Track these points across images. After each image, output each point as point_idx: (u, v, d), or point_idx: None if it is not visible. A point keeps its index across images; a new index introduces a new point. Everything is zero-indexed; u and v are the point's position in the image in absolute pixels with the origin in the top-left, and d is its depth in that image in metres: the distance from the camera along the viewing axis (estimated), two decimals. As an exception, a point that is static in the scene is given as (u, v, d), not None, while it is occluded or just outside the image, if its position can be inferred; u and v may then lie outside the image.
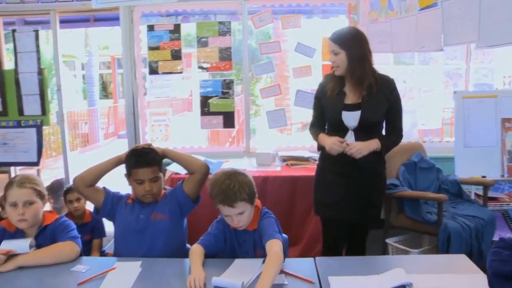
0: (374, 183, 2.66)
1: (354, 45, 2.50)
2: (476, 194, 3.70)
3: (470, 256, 2.41)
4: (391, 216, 3.43)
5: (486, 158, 3.66)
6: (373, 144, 2.50)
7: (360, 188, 2.59)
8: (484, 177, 3.57)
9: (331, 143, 2.50)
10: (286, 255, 2.14)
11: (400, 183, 3.45)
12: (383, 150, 2.58)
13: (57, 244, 2.10)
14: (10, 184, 2.16)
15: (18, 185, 2.14)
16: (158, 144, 4.28)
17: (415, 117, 4.16)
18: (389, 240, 3.47)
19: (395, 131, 2.65)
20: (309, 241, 3.49)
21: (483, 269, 1.69)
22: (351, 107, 2.54)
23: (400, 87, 4.04)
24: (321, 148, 2.68)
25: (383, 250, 3.47)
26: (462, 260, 2.02)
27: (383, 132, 2.68)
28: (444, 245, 3.06)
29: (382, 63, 4.06)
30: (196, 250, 2.05)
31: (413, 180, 3.55)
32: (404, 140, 4.05)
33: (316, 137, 2.69)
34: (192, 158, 2.38)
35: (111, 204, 2.33)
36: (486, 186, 3.46)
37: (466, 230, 3.09)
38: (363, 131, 2.54)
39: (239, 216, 2.04)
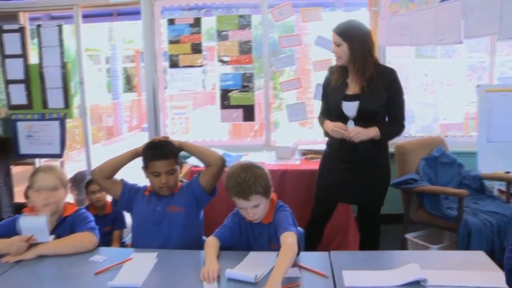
0: (373, 170, 2.77)
1: (356, 37, 2.62)
2: (499, 190, 3.64)
3: (492, 253, 2.38)
4: (410, 211, 3.39)
5: (510, 153, 3.59)
6: (372, 131, 2.62)
7: (359, 174, 2.73)
8: (507, 172, 3.51)
9: (333, 126, 2.68)
10: (301, 248, 2.13)
11: (420, 177, 3.41)
12: (382, 138, 2.68)
13: (76, 235, 2.16)
14: (36, 171, 2.28)
15: (44, 172, 2.27)
16: (178, 137, 4.34)
17: (437, 111, 4.09)
18: (408, 235, 3.44)
19: (396, 121, 2.74)
20: (327, 235, 3.47)
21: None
22: (351, 98, 2.69)
23: (421, 81, 4.06)
24: (326, 133, 2.82)
25: (402, 245, 3.44)
26: (480, 257, 1.98)
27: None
28: (464, 242, 3.01)
29: (403, 56, 4.02)
30: (211, 242, 2.07)
31: (433, 175, 3.51)
32: (425, 134, 4.04)
33: (322, 125, 2.85)
34: (208, 151, 2.38)
35: (128, 195, 2.36)
36: (509, 182, 3.39)
37: (488, 226, 3.04)
38: (363, 120, 2.66)
39: (254, 209, 2.05)
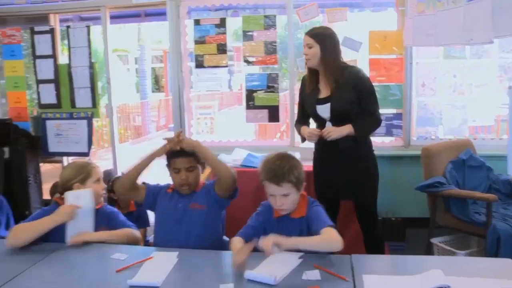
0: (357, 167, 2.89)
1: (327, 40, 2.84)
2: (530, 195, 3.53)
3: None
4: (437, 215, 3.32)
5: (542, 157, 3.48)
6: (345, 129, 2.80)
7: (344, 171, 2.89)
8: (539, 177, 3.41)
9: (308, 132, 2.95)
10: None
11: (447, 181, 3.34)
12: (357, 133, 2.82)
13: (128, 230, 2.32)
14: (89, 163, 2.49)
15: (95, 166, 2.49)
16: (203, 137, 4.36)
17: (466, 113, 3.99)
18: (434, 240, 3.37)
19: (369, 117, 2.88)
20: (352, 237, 3.43)
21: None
22: (323, 101, 2.90)
23: (449, 82, 3.96)
24: (303, 139, 3.07)
25: (428, 250, 3.37)
26: (509, 264, 1.91)
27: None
28: (493, 248, 2.93)
29: (431, 57, 3.94)
30: (237, 240, 2.08)
31: (461, 179, 3.43)
32: (453, 137, 3.96)
33: (299, 132, 3.10)
34: (220, 164, 2.32)
35: (152, 197, 2.40)
36: (541, 186, 3.30)
37: (518, 232, 2.95)
38: (338, 121, 2.85)
39: (283, 198, 2.06)
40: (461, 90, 3.98)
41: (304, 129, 3.02)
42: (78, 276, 1.89)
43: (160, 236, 2.35)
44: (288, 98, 4.42)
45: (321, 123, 2.96)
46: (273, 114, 4.25)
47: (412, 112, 4.07)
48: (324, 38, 2.84)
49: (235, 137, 4.51)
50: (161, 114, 14.13)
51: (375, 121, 2.93)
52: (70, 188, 2.35)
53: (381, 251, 3.07)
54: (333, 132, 2.80)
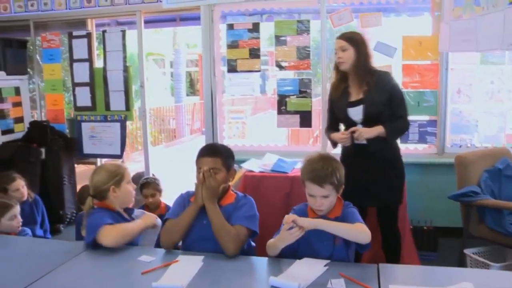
0: (386, 170, 2.92)
1: (360, 43, 2.88)
2: None
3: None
4: (470, 226, 3.23)
5: None
6: (376, 129, 2.83)
7: (373, 175, 2.89)
8: None
9: (338, 138, 2.98)
10: (351, 259, 2.12)
11: (482, 190, 3.24)
12: (388, 135, 2.86)
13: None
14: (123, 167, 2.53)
15: (126, 167, 2.57)
16: (235, 141, 4.37)
17: (503, 121, 3.88)
18: (467, 251, 3.27)
19: (400, 119, 2.92)
20: (378, 248, 3.37)
21: None
22: (355, 103, 2.92)
23: (486, 89, 3.86)
24: (334, 144, 3.11)
25: (461, 261, 3.27)
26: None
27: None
28: (530, 261, 2.84)
29: (468, 63, 3.85)
30: (271, 241, 2.08)
31: (496, 189, 3.32)
32: (489, 145, 3.85)
33: (329, 138, 3.13)
34: (226, 232, 2.13)
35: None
36: None
37: (557, 246, 2.84)
38: (369, 123, 2.87)
39: (323, 199, 2.07)
40: (499, 97, 3.87)
41: (334, 134, 3.04)
42: (104, 277, 1.91)
43: (187, 245, 2.32)
44: (321, 104, 4.39)
45: (351, 126, 2.95)
46: (305, 120, 4.24)
47: (447, 119, 3.99)
48: (358, 42, 2.88)
49: (266, 141, 4.50)
50: (195, 118, 14.25)
51: (405, 124, 2.96)
52: (105, 191, 2.37)
53: (397, 251, 3.09)
54: (364, 132, 2.83)
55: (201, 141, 12.12)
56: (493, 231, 3.12)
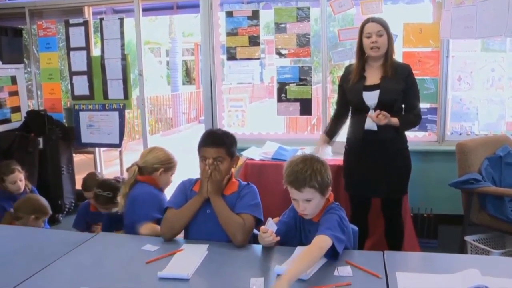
0: (395, 161, 2.89)
1: (389, 30, 2.85)
2: None
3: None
4: (471, 213, 3.23)
5: None
6: (393, 119, 2.78)
7: (381, 166, 2.87)
8: None
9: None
10: (355, 247, 2.12)
11: (483, 178, 3.24)
12: (400, 126, 2.84)
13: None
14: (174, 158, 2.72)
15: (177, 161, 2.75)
16: (234, 129, 4.35)
17: (504, 108, 3.88)
18: (468, 238, 3.27)
19: (412, 112, 2.92)
20: (381, 236, 3.38)
21: None
22: (371, 88, 2.87)
23: (487, 76, 3.85)
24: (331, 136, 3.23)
25: (461, 248, 3.28)
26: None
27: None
28: (530, 247, 2.85)
29: (468, 50, 3.83)
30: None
31: (497, 176, 3.32)
32: (489, 133, 3.84)
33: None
34: (233, 222, 2.10)
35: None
36: None
37: (557, 232, 2.85)
38: (382, 110, 2.77)
39: (305, 203, 1.98)
40: (500, 85, 3.86)
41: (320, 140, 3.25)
42: (108, 267, 1.89)
43: (189, 234, 2.30)
44: (320, 91, 4.37)
45: (362, 112, 2.89)
46: (305, 107, 4.22)
47: (447, 107, 3.98)
48: (388, 27, 2.84)
49: (266, 130, 4.49)
50: (192, 107, 14.21)
51: (418, 118, 2.95)
52: (153, 170, 2.57)
53: (400, 239, 3.08)
54: (386, 115, 2.73)
55: (198, 130, 12.14)
56: (494, 218, 3.12)
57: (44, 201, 3.22)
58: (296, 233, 2.15)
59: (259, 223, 2.19)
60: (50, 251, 2.02)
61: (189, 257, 1.92)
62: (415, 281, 1.68)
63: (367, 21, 2.86)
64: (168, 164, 2.63)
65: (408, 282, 1.67)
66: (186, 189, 2.33)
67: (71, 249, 2.05)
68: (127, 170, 2.66)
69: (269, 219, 1.99)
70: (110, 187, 3.04)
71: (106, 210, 3.07)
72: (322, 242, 1.83)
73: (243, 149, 3.81)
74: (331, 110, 4.30)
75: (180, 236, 2.25)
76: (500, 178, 3.35)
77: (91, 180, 3.40)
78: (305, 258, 1.76)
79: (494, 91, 3.89)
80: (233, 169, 2.33)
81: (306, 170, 1.95)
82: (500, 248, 3.25)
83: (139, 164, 2.59)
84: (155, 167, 2.57)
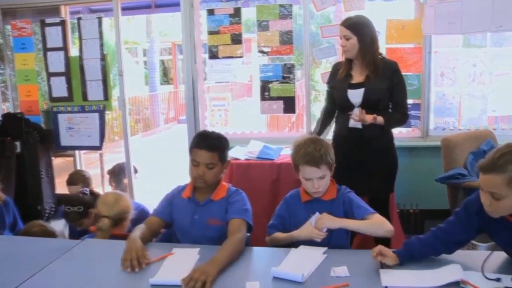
0: (381, 159, 2.90)
1: (365, 31, 2.82)
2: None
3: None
4: (457, 207, 3.23)
5: None
6: (378, 117, 2.77)
7: (367, 164, 2.87)
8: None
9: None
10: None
11: (468, 172, 3.26)
12: (386, 124, 2.83)
13: None
14: None
15: None
16: (218, 129, 4.28)
17: (486, 103, 3.91)
18: (455, 233, 3.28)
19: (399, 110, 2.92)
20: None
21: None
22: (356, 86, 2.88)
23: (469, 71, 3.87)
24: (320, 132, 3.14)
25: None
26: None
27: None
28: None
29: (450, 46, 3.85)
30: (278, 235, 2.13)
31: (482, 170, 3.35)
32: (472, 127, 3.87)
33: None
34: (238, 250, 1.97)
35: (169, 216, 2.25)
36: None
37: (543, 225, 2.87)
38: (367, 108, 2.80)
39: (320, 180, 2.09)
40: (481, 80, 3.89)
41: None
42: (97, 273, 1.83)
43: (178, 239, 2.25)
44: (303, 89, 4.34)
45: (347, 110, 2.90)
46: (289, 105, 4.18)
47: (431, 102, 4.00)
48: (361, 28, 2.82)
49: (248, 129, 4.44)
50: (170, 107, 14.10)
51: (404, 117, 2.95)
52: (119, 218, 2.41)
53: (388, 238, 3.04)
54: (365, 116, 2.76)
55: (178, 130, 12.08)
56: (480, 213, 3.13)
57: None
58: (290, 220, 2.19)
59: (249, 228, 2.16)
60: (36, 260, 1.95)
61: (180, 262, 1.87)
62: (398, 277, 1.68)
63: (341, 23, 2.90)
64: (132, 210, 2.50)
65: (391, 278, 1.68)
66: (174, 196, 2.30)
67: (58, 257, 1.98)
68: (97, 226, 2.37)
69: (317, 213, 2.05)
70: (79, 201, 2.91)
71: (81, 226, 2.93)
72: (385, 223, 2.04)
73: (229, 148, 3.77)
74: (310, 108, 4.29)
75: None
76: (485, 172, 3.37)
77: (78, 175, 3.36)
78: (365, 223, 2.03)
79: (476, 86, 3.92)
80: (222, 174, 2.28)
81: (320, 149, 2.09)
82: (486, 241, 3.26)
83: (108, 215, 2.37)
84: (124, 216, 2.42)
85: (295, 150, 2.15)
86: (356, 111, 2.82)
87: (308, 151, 2.08)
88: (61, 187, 4.57)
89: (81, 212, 2.86)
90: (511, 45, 3.78)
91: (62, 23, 4.50)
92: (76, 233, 2.94)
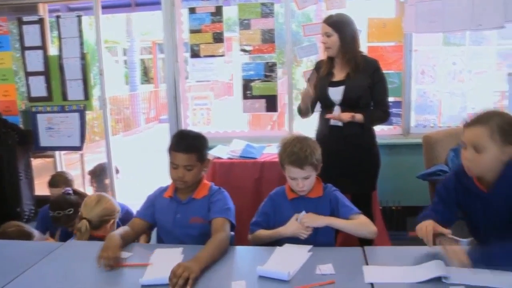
0: (362, 156, 2.92)
1: (347, 29, 2.86)
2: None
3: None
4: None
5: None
6: (357, 114, 2.81)
7: (349, 162, 2.87)
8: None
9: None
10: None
11: (449, 169, 3.29)
12: (365, 121, 2.85)
13: None
14: None
15: None
16: (200, 128, 4.27)
17: (465, 100, 3.96)
18: (437, 229, 3.32)
19: (380, 108, 2.93)
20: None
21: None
22: (337, 83, 2.90)
23: (449, 69, 3.92)
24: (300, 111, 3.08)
25: (431, 239, 3.32)
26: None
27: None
28: (497, 236, 2.90)
29: (431, 44, 3.89)
30: (261, 232, 2.13)
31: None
32: (453, 124, 3.92)
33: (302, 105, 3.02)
34: (222, 249, 1.95)
35: (151, 216, 2.24)
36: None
37: (522, 220, 2.91)
38: (348, 106, 2.86)
39: (304, 180, 2.09)
40: (461, 77, 3.95)
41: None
42: (82, 276, 1.80)
43: (161, 238, 2.26)
44: (284, 87, 4.34)
45: (328, 108, 2.94)
46: (271, 104, 4.18)
47: (412, 100, 4.03)
48: (342, 26, 2.85)
49: (230, 127, 4.43)
50: (151, 106, 14.00)
51: (384, 114, 2.97)
52: (99, 221, 2.38)
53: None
54: (343, 114, 2.83)
55: (159, 130, 12.00)
56: (461, 208, 3.17)
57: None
58: (275, 218, 2.18)
59: (232, 227, 2.16)
60: (16, 263, 1.90)
61: (166, 261, 1.83)
62: (381, 274, 1.70)
63: (323, 20, 2.93)
64: (117, 213, 2.50)
65: (374, 274, 1.69)
66: (156, 196, 2.29)
67: (39, 260, 1.94)
68: (76, 228, 2.37)
69: (303, 212, 2.07)
70: (67, 203, 2.87)
71: (73, 227, 2.77)
72: (369, 224, 2.06)
73: (210, 148, 3.72)
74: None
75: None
76: (465, 169, 3.41)
77: (60, 176, 3.32)
78: (351, 222, 2.05)
79: (456, 84, 3.97)
80: (203, 173, 2.27)
81: (306, 149, 2.09)
82: (466, 236, 3.30)
83: (88, 217, 2.36)
84: (106, 219, 2.40)
85: (282, 149, 2.16)
86: (336, 112, 2.86)
87: (293, 151, 2.09)
88: (40, 189, 4.50)
89: (71, 214, 2.83)
90: (489, 43, 3.85)
91: (40, 22, 4.42)
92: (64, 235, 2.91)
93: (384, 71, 3.79)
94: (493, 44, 3.89)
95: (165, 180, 2.35)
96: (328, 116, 2.87)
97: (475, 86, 3.94)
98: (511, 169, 1.76)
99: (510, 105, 3.57)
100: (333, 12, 3.15)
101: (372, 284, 1.61)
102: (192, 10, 4.13)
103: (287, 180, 2.17)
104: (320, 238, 2.05)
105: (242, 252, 2.02)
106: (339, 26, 2.84)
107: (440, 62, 3.92)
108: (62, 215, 2.83)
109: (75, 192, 3.10)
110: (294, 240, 2.02)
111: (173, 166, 2.15)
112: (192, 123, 4.39)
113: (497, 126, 1.70)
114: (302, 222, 2.02)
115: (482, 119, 1.75)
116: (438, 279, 1.61)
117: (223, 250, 1.94)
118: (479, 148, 1.72)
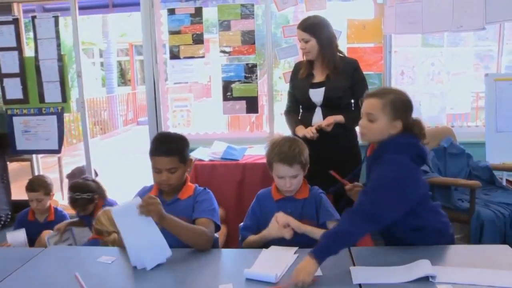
0: (345, 157, 2.89)
1: (323, 32, 2.86)
2: (507, 181, 3.57)
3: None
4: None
5: (519, 143, 3.52)
6: (338, 117, 2.85)
7: (332, 161, 2.72)
8: (517, 162, 3.43)
9: (306, 131, 2.84)
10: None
11: (430, 169, 3.34)
12: (347, 122, 2.87)
13: None
14: None
15: None
16: (180, 130, 4.23)
17: (444, 101, 4.02)
18: (419, 229, 3.35)
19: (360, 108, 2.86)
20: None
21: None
22: (317, 85, 2.93)
23: (427, 71, 3.97)
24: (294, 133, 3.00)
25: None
26: (493, 251, 1.92)
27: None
28: (476, 234, 2.94)
29: (410, 45, 3.93)
30: (251, 238, 2.14)
31: (442, 166, 3.44)
32: (433, 125, 3.96)
33: (293, 129, 3.01)
34: (194, 233, 1.99)
35: None
36: (519, 172, 3.34)
37: (501, 218, 2.95)
38: (329, 107, 2.90)
39: (292, 179, 2.12)
40: (439, 78, 4.00)
41: (299, 129, 2.94)
42: (64, 283, 1.75)
43: None
44: (264, 89, 4.34)
45: (310, 109, 2.97)
46: (251, 105, 4.16)
47: (392, 101, 4.05)
48: (318, 29, 2.86)
49: (211, 129, 4.40)
50: (129, 108, 13.86)
51: None
52: None
53: None
54: (329, 118, 2.84)
55: (137, 132, 11.87)
56: (442, 207, 3.20)
57: None
58: (262, 219, 2.19)
59: (217, 228, 2.15)
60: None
61: (275, 260, 1.84)
62: (369, 275, 1.70)
63: (298, 26, 2.92)
64: None
65: (361, 275, 1.70)
66: (141, 196, 2.23)
67: (19, 266, 1.89)
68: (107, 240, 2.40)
69: (281, 212, 2.08)
70: (88, 188, 3.10)
71: (85, 212, 3.12)
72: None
73: (191, 150, 3.69)
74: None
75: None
76: (445, 168, 3.47)
77: (39, 180, 3.29)
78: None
79: (435, 84, 4.02)
80: (187, 174, 2.25)
81: (294, 148, 2.13)
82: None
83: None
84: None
85: (271, 148, 2.18)
86: (318, 121, 2.89)
87: (282, 150, 2.12)
88: (17, 193, 4.41)
89: (89, 198, 3.09)
90: (466, 45, 3.91)
91: (15, 22, 4.33)
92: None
93: (364, 73, 3.86)
94: (470, 46, 3.96)
95: (144, 182, 2.34)
96: (313, 127, 2.85)
97: (454, 87, 4.00)
98: (381, 145, 1.92)
99: (486, 105, 3.62)
100: (311, 14, 3.17)
101: (360, 285, 1.62)
102: (171, 11, 4.09)
103: (274, 180, 2.18)
104: (308, 239, 2.03)
105: (228, 254, 2.01)
106: (315, 30, 2.85)
107: (419, 63, 3.97)
108: (80, 198, 3.04)
109: (93, 181, 3.33)
110: (283, 241, 2.02)
111: (156, 170, 2.12)
112: (172, 125, 4.35)
113: (390, 101, 1.87)
114: (277, 222, 2.04)
115: (379, 93, 1.93)
116: (425, 279, 1.62)
117: (197, 237, 1.97)
118: (372, 118, 1.90)
